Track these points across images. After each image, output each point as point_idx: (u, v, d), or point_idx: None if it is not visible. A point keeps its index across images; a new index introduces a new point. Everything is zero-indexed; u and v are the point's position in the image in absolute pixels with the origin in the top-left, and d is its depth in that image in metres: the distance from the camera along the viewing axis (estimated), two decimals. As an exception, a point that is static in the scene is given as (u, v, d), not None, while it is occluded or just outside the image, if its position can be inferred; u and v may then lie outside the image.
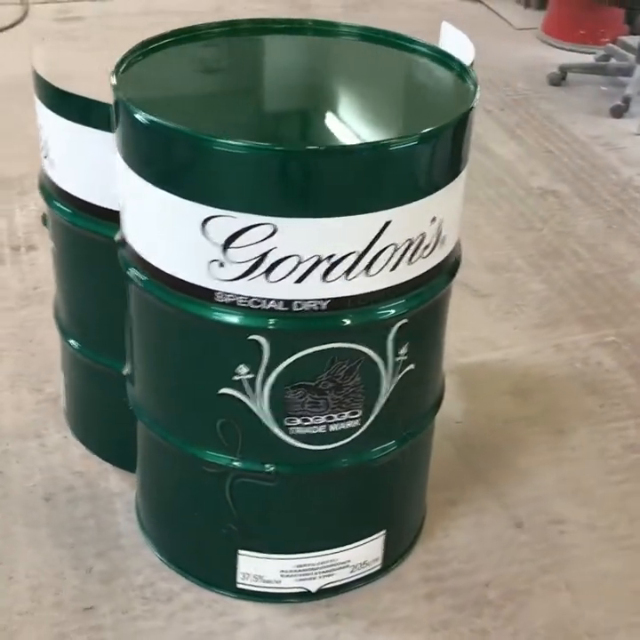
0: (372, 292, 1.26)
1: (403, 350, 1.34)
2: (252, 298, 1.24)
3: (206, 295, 1.25)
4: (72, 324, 1.64)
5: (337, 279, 1.23)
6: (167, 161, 1.22)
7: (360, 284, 1.25)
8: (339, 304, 1.25)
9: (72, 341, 1.63)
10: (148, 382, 1.42)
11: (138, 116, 1.20)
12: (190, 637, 1.44)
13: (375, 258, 1.23)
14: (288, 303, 1.24)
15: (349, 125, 1.32)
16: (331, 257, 1.21)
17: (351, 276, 1.23)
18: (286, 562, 1.46)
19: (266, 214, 1.18)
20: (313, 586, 1.49)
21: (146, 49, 1.37)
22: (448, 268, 1.37)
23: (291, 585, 1.48)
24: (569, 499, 1.71)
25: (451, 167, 1.29)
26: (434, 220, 1.27)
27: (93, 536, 1.58)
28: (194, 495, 1.45)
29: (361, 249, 1.22)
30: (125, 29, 3.46)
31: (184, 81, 1.36)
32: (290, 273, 1.21)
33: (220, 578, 1.49)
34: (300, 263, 1.21)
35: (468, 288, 2.23)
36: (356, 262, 1.22)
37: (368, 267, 1.23)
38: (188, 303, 1.28)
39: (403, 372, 1.36)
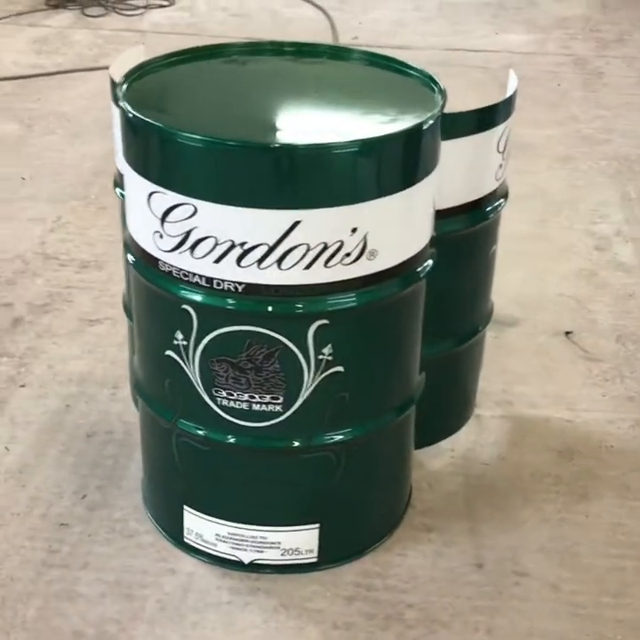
0: (284, 286, 1.38)
1: (326, 350, 1.44)
2: (182, 270, 1.41)
3: (153, 263, 1.44)
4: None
5: (250, 266, 1.36)
6: (134, 144, 1.43)
7: (272, 276, 1.37)
8: (253, 290, 1.38)
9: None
10: (136, 344, 1.63)
11: (123, 109, 1.42)
12: (126, 569, 1.62)
13: (287, 253, 1.35)
14: (209, 280, 1.39)
15: (297, 128, 1.46)
16: (243, 244, 1.35)
17: (263, 265, 1.36)
18: (220, 527, 1.60)
19: (188, 195, 1.35)
20: (245, 557, 1.61)
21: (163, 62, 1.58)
22: (388, 285, 1.44)
23: (225, 551, 1.61)
24: (547, 557, 1.67)
25: (380, 182, 1.37)
26: (354, 230, 1.36)
27: (104, 473, 1.82)
28: (154, 448, 1.64)
29: (271, 242, 1.35)
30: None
31: (178, 88, 1.55)
32: (208, 252, 1.37)
33: (173, 529, 1.66)
34: (216, 245, 1.36)
35: (579, 349, 2.21)
36: (267, 254, 1.35)
37: (280, 260, 1.36)
38: (145, 270, 1.48)
39: (328, 372, 1.45)
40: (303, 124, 1.48)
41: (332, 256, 1.37)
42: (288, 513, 1.59)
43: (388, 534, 1.70)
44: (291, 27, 4.40)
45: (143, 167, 1.40)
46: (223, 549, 1.62)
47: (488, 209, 1.69)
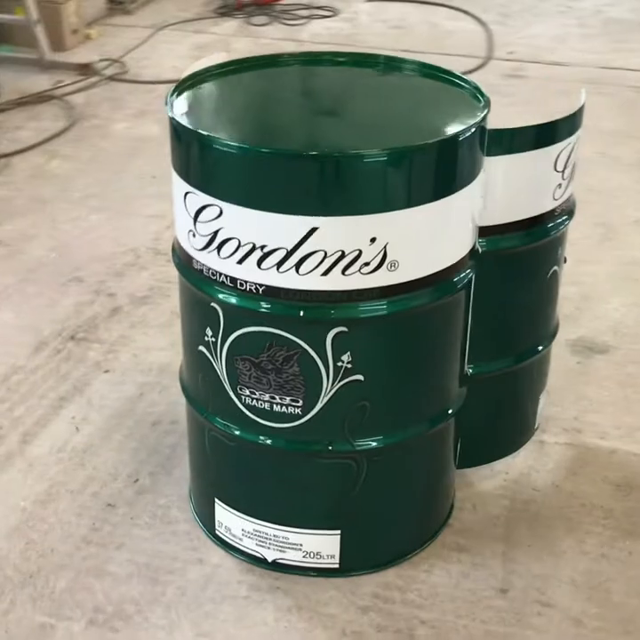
0: (302, 291, 1.40)
1: (345, 357, 1.45)
2: (211, 269, 1.46)
3: (188, 261, 1.50)
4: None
5: (269, 269, 1.40)
6: (176, 147, 1.48)
7: (291, 280, 1.40)
8: (272, 292, 1.41)
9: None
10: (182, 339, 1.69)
11: (171, 119, 1.48)
12: (157, 554, 1.68)
13: (304, 258, 1.38)
14: (234, 280, 1.43)
15: (328, 138, 1.48)
16: (263, 247, 1.39)
17: (282, 269, 1.39)
18: (246, 523, 1.63)
19: (215, 197, 1.39)
20: (269, 555, 1.64)
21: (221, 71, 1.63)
22: (415, 297, 1.44)
23: (250, 546, 1.65)
24: (577, 590, 1.62)
25: (402, 193, 1.38)
26: (373, 240, 1.37)
27: (159, 460, 1.89)
28: (193, 440, 1.70)
29: (289, 246, 1.37)
30: (556, 93, 3.62)
31: (224, 96, 1.59)
32: (233, 253, 1.41)
33: (207, 521, 1.71)
34: (239, 246, 1.40)
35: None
36: (286, 258, 1.38)
37: (298, 265, 1.38)
38: (183, 268, 1.53)
39: (347, 380, 1.47)
40: (336, 133, 1.50)
41: (350, 264, 1.39)
42: (308, 516, 1.61)
43: (417, 550, 1.69)
44: (448, 39, 4.40)
45: (181, 168, 1.46)
46: (249, 545, 1.65)
47: (545, 228, 1.65)
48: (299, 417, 1.50)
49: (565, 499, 1.81)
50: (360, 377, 1.47)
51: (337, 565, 1.64)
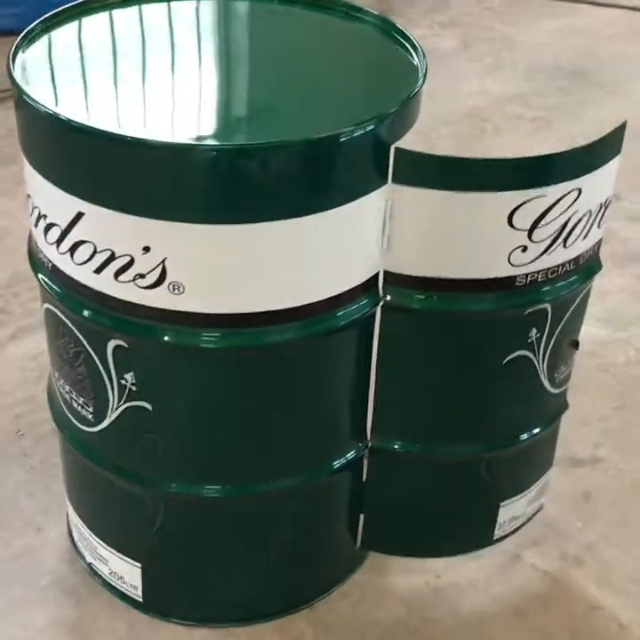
0: (79, 283, 1.13)
1: (129, 377, 1.17)
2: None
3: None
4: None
5: (52, 244, 1.14)
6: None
7: (68, 265, 1.13)
8: (58, 274, 1.15)
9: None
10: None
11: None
12: None
13: (77, 245, 1.10)
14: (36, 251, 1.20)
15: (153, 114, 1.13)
16: (45, 217, 1.13)
17: (61, 249, 1.13)
18: (71, 510, 1.44)
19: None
20: (87, 556, 1.43)
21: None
22: (214, 336, 1.11)
23: (75, 536, 1.45)
24: None
25: (193, 204, 1.04)
26: (147, 249, 1.06)
27: None
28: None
29: (63, 225, 1.10)
30: None
31: (78, 54, 1.23)
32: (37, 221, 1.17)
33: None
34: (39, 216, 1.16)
35: None
36: (62, 237, 1.11)
37: (72, 250, 1.11)
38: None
39: (132, 403, 1.19)
40: (174, 108, 1.16)
41: (122, 270, 1.09)
42: (112, 534, 1.37)
43: (242, 622, 1.39)
44: None
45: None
46: (75, 535, 1.46)
47: (493, 298, 1.19)
48: (92, 424, 1.26)
49: (475, 629, 1.39)
50: (147, 405, 1.19)
51: (140, 598, 1.39)
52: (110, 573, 1.40)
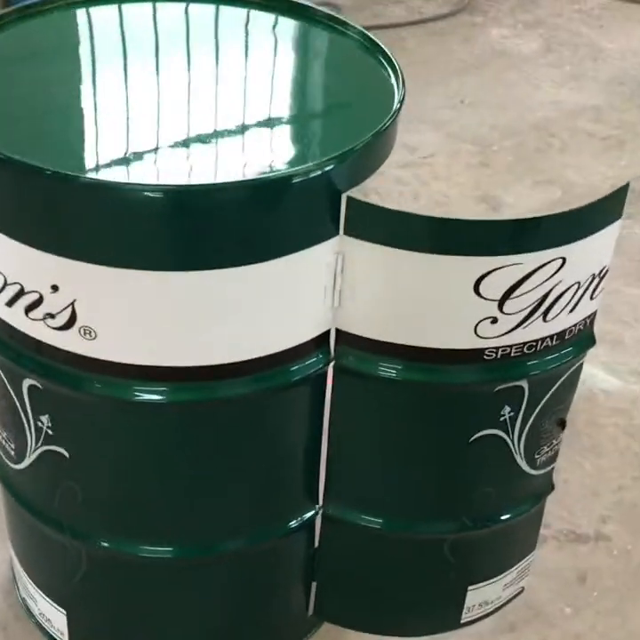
0: (2, 321, 1.02)
1: (45, 419, 1.06)
2: None
3: None
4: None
5: None
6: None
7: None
8: None
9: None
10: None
11: None
12: None
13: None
14: None
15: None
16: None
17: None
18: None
19: None
20: (20, 588, 1.34)
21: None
22: (133, 388, 0.99)
23: (16, 567, 1.36)
24: None
25: (105, 247, 0.92)
26: (56, 288, 0.94)
27: None
28: None
29: None
30: None
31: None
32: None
33: None
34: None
35: None
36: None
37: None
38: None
39: (49, 447, 1.08)
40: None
41: (32, 307, 0.98)
42: (39, 576, 1.27)
43: None
44: None
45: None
46: (15, 565, 1.37)
47: (456, 372, 1.04)
48: (15, 461, 1.16)
49: None
50: (63, 451, 1.08)
51: (67, 644, 1.30)
52: (40, 614, 1.31)
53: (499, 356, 1.04)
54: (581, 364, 1.13)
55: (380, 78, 1.08)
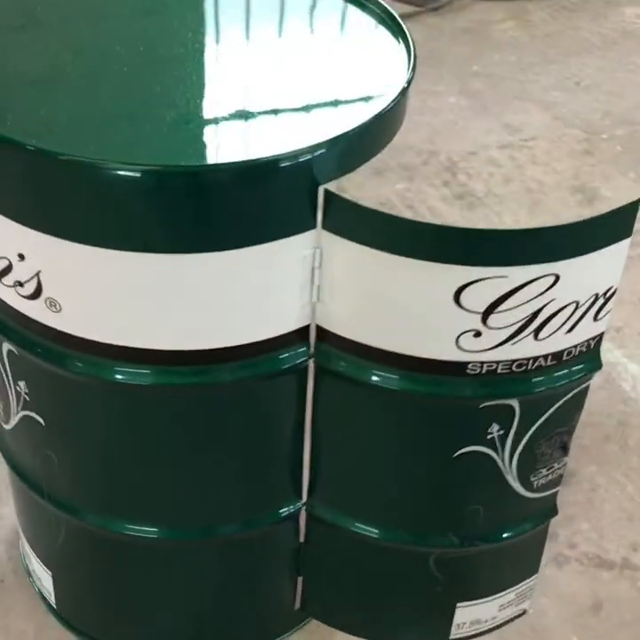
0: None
1: (22, 385, 1.06)
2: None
3: None
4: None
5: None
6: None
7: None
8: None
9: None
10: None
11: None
12: None
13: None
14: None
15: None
16: None
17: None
18: (15, 495, 1.35)
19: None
20: (21, 548, 1.35)
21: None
22: (95, 364, 0.97)
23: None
24: None
25: (47, 213, 0.89)
26: (22, 257, 0.93)
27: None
28: None
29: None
30: None
31: None
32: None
33: None
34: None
35: None
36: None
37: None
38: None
39: (27, 413, 1.08)
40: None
41: (3, 273, 0.96)
42: (27, 532, 1.28)
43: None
44: None
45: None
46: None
47: (435, 383, 0.97)
48: (5, 421, 1.16)
49: None
50: (39, 419, 1.07)
51: (54, 604, 1.30)
52: (33, 571, 1.32)
53: (484, 372, 0.97)
54: (587, 387, 1.05)
55: (392, 59, 1.01)
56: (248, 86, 0.99)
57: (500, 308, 0.92)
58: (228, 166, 0.87)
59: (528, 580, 1.24)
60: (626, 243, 0.93)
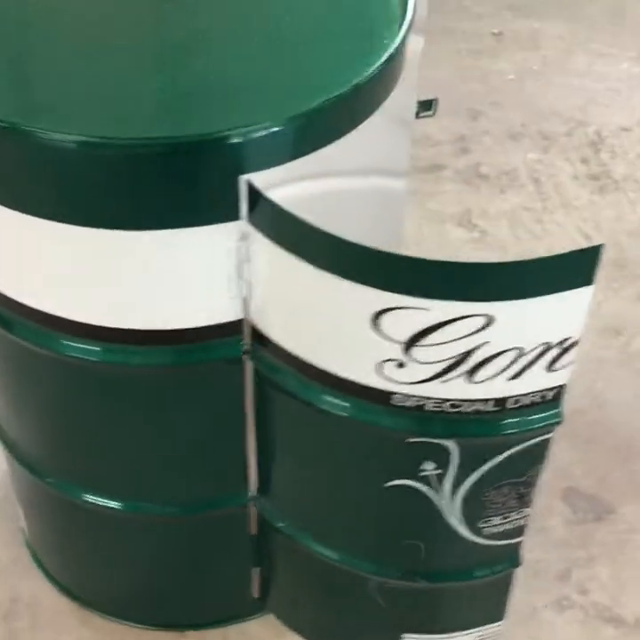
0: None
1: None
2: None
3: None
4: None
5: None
6: None
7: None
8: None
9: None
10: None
11: None
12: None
13: None
14: None
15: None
16: None
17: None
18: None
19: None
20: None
21: None
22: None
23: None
24: None
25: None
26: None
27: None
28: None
29: None
30: None
31: None
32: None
33: None
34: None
35: None
36: None
37: None
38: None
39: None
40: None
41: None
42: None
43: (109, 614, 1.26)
44: None
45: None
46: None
47: (358, 407, 0.88)
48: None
49: None
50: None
51: (29, 540, 1.31)
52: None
53: (411, 406, 0.87)
54: (546, 440, 0.92)
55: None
56: (214, 47, 0.91)
57: (424, 342, 0.81)
58: (141, 142, 0.80)
59: (488, 626, 1.13)
60: (587, 291, 0.80)
